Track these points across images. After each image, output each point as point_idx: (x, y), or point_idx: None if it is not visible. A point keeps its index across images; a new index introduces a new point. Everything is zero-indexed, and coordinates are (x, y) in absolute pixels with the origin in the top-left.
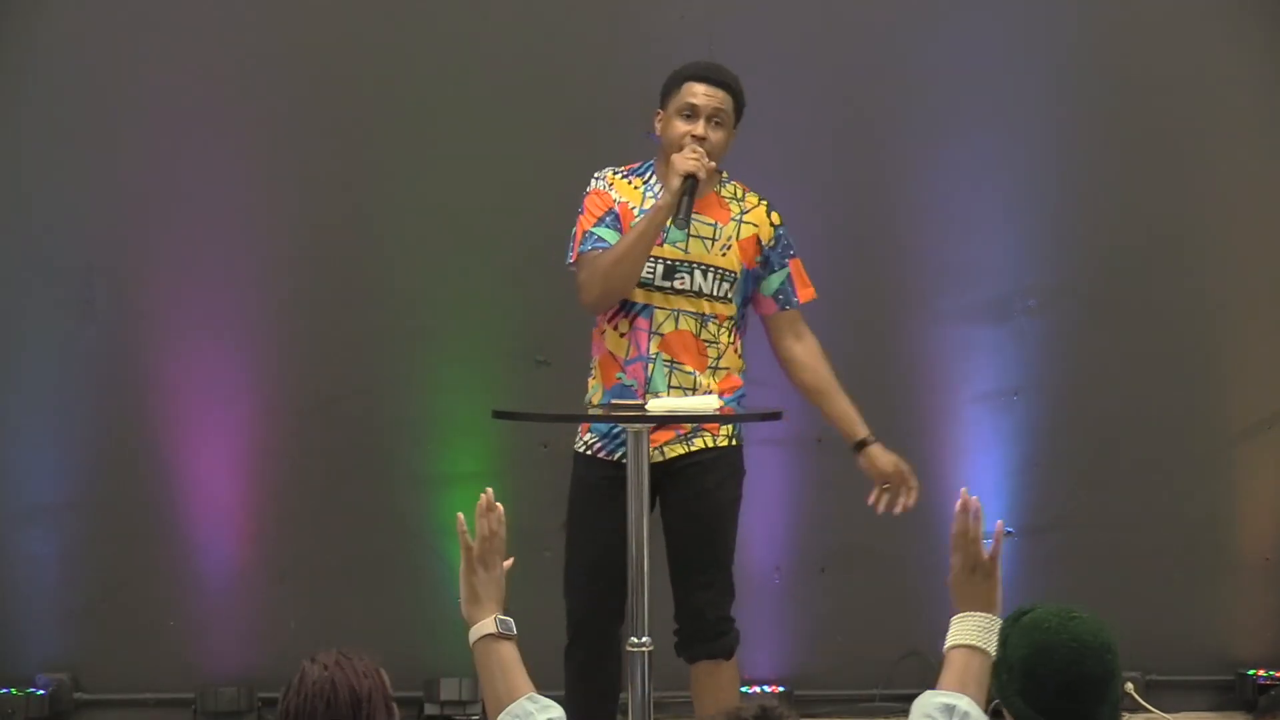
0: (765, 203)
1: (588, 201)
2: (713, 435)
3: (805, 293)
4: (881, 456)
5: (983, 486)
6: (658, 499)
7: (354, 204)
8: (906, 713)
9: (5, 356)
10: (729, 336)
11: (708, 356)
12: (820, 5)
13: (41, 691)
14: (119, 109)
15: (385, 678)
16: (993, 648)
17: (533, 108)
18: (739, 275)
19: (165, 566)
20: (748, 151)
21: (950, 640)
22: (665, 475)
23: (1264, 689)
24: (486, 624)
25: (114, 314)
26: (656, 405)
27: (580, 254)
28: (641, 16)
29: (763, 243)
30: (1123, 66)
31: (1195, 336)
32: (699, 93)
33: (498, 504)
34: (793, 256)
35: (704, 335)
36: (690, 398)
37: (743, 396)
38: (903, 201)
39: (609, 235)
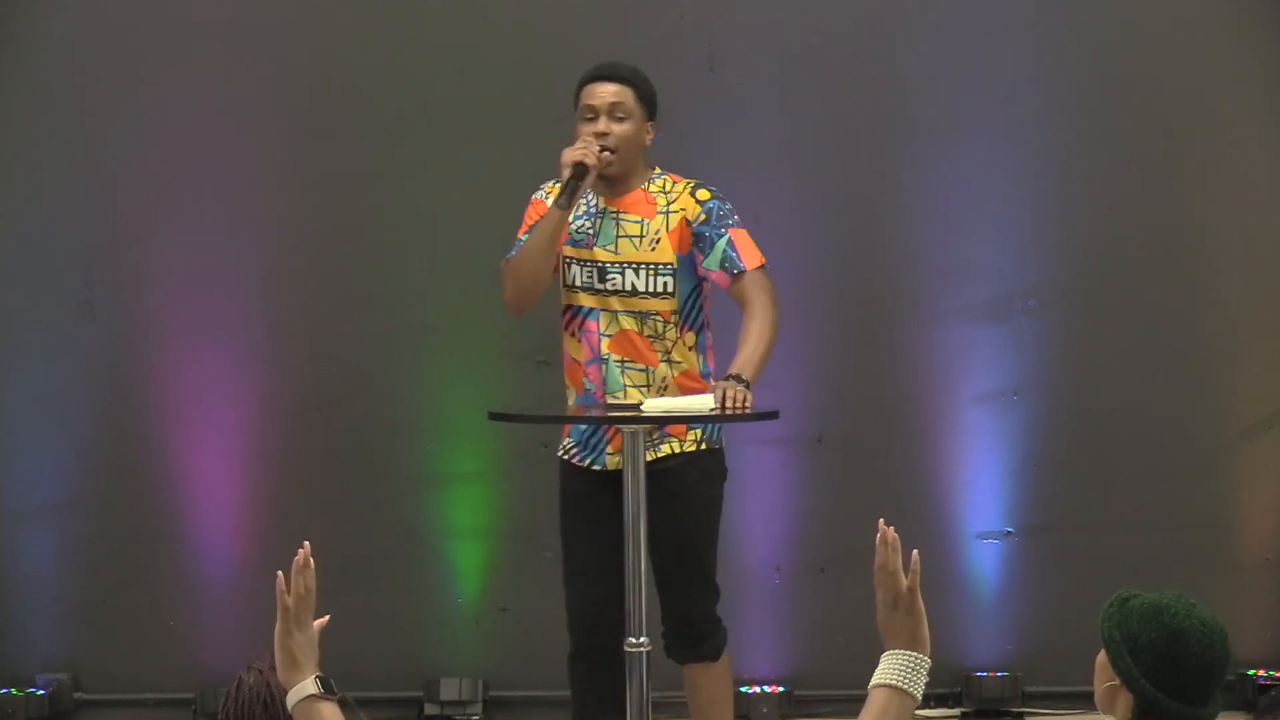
0: (691, 183)
1: (526, 213)
2: (680, 440)
3: (751, 259)
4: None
5: (983, 486)
6: None
7: (354, 204)
8: None
9: (5, 356)
10: (675, 331)
11: (656, 352)
12: (820, 5)
13: (41, 691)
14: (119, 110)
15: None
16: (917, 688)
17: (532, 108)
18: (675, 266)
19: (165, 566)
20: (747, 152)
21: (874, 678)
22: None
23: (1264, 689)
24: (307, 685)
25: (114, 314)
26: (653, 405)
27: (505, 260)
28: (641, 17)
29: (690, 221)
30: (1122, 67)
31: (1195, 336)
32: (594, 92)
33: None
34: (732, 226)
35: (646, 332)
36: (685, 398)
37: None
38: (902, 202)
39: None
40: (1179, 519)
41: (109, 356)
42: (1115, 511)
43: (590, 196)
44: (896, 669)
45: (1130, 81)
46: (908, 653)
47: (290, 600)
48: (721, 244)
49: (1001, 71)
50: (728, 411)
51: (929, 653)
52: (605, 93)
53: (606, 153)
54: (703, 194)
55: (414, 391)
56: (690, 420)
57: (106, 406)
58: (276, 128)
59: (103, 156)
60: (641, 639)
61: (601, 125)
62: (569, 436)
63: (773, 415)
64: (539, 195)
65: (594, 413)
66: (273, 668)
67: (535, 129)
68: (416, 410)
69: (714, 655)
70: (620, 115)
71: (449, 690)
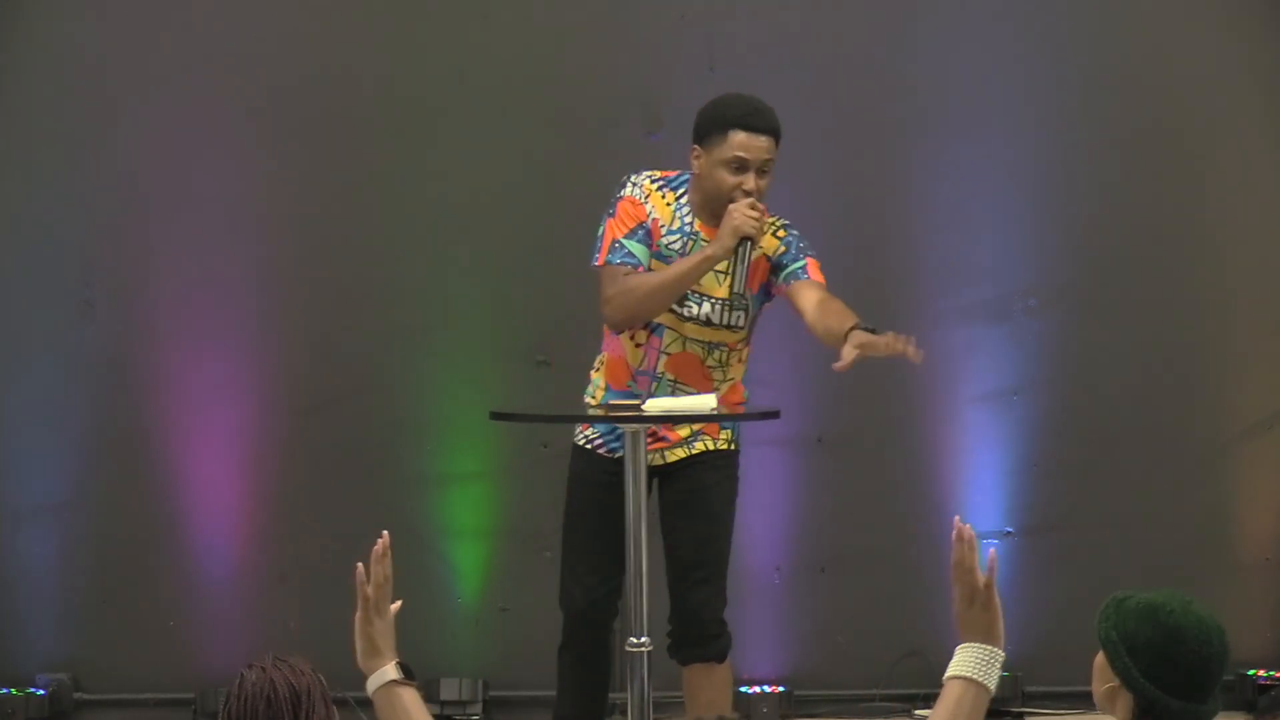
0: (776, 222)
1: (620, 206)
2: (713, 439)
3: (817, 275)
4: (871, 337)
5: (983, 486)
6: (655, 496)
7: (354, 204)
8: (907, 713)
9: (5, 356)
10: (736, 359)
11: (713, 380)
12: (820, 5)
13: (41, 691)
14: (119, 109)
15: (322, 678)
16: (991, 680)
17: (533, 107)
18: (749, 302)
19: (165, 566)
20: None
21: (949, 670)
22: (664, 475)
23: (1264, 689)
24: (388, 670)
25: (114, 314)
26: (654, 405)
27: (608, 264)
28: (642, 16)
29: (770, 256)
30: (1123, 66)
31: (1195, 336)
32: (748, 145)
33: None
34: (810, 255)
35: (709, 361)
36: (687, 398)
37: (743, 404)
38: (903, 202)
39: (639, 251)
40: (1179, 519)
41: (109, 356)
42: (1115, 511)
43: (687, 214)
44: (972, 661)
45: (1131, 82)
46: (984, 646)
47: (370, 589)
48: (796, 264)
49: (1002, 72)
50: (737, 412)
51: (1003, 647)
52: (761, 148)
53: (765, 219)
54: (781, 231)
55: (414, 391)
56: (691, 420)
57: (106, 406)
58: (277, 128)
59: (103, 157)
60: (642, 639)
61: (751, 183)
62: (591, 427)
63: (774, 415)
64: (634, 193)
65: (599, 412)
66: (275, 665)
67: (536, 129)
68: (416, 410)
69: (720, 656)
70: (765, 169)
71: (449, 690)
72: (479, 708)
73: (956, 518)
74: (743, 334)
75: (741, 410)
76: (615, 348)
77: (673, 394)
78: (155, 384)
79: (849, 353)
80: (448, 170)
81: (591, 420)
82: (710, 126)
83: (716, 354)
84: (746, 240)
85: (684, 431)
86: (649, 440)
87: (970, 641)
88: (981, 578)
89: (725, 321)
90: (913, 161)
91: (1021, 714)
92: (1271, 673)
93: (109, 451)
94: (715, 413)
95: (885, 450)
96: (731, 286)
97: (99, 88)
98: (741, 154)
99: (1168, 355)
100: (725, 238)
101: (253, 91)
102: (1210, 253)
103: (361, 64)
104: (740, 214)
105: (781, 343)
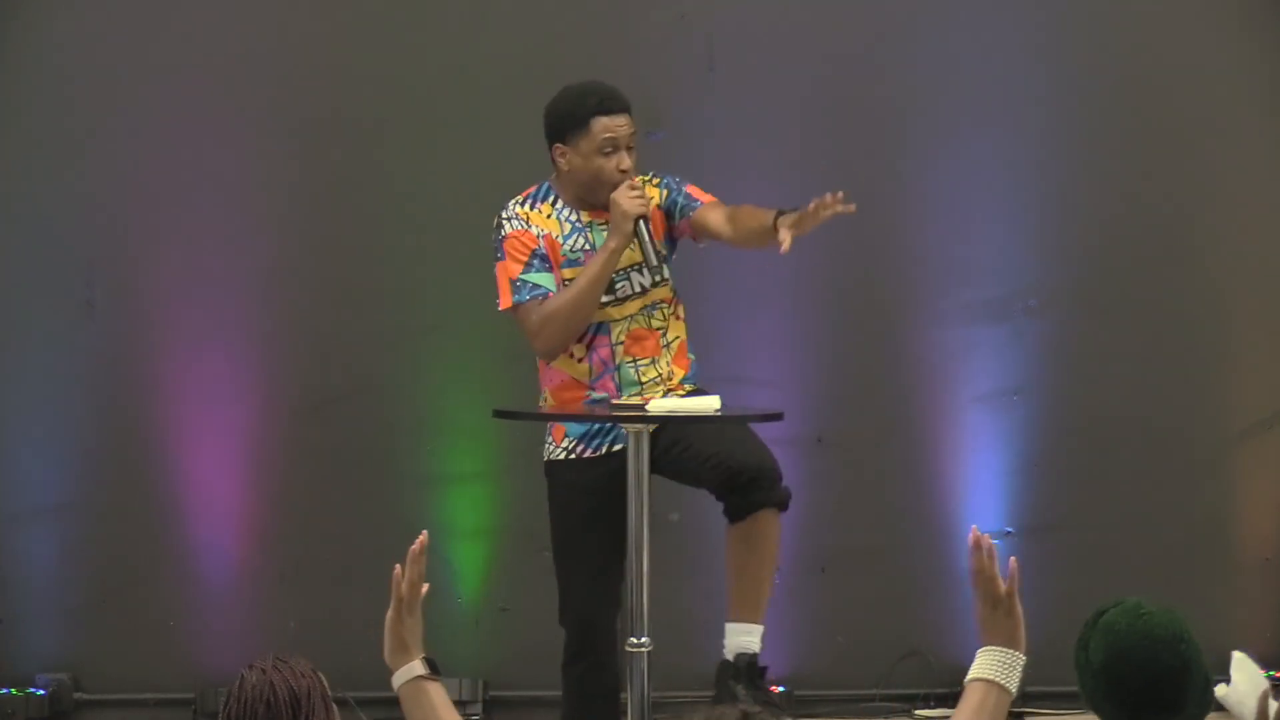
0: (648, 176)
1: (507, 246)
2: (678, 393)
3: (705, 196)
4: (799, 214)
5: (983, 486)
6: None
7: (354, 204)
8: (907, 713)
9: (5, 356)
10: (670, 308)
11: (661, 336)
12: (818, 4)
13: (41, 691)
14: (119, 109)
15: (323, 678)
16: (1013, 683)
17: (532, 107)
18: (666, 251)
19: (165, 566)
20: (745, 151)
21: (971, 672)
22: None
23: None
24: (414, 666)
25: (114, 314)
26: (658, 405)
27: (518, 304)
28: (641, 17)
29: (661, 204)
30: (1123, 66)
31: (1195, 336)
32: (612, 126)
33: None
34: (688, 184)
35: (654, 324)
36: (690, 398)
37: (694, 364)
38: (903, 202)
39: (543, 280)
40: (1179, 519)
41: (109, 356)
42: (1115, 511)
43: (570, 213)
44: (995, 664)
45: (1131, 81)
46: (1005, 649)
47: (405, 588)
48: (684, 202)
49: (1002, 72)
50: (728, 413)
51: (1024, 651)
52: (623, 125)
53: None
54: (656, 179)
55: (414, 391)
56: (694, 421)
57: (106, 406)
58: (277, 128)
59: (103, 157)
60: (642, 639)
61: (626, 161)
62: (566, 438)
63: (777, 417)
64: (515, 226)
65: (599, 411)
66: (275, 666)
67: (535, 129)
68: (416, 410)
69: (785, 503)
70: (633, 145)
71: (449, 690)
72: (479, 708)
73: (974, 527)
74: (669, 285)
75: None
76: (556, 377)
77: (635, 372)
78: (155, 384)
79: (785, 236)
80: (448, 170)
81: (593, 420)
82: (568, 122)
83: (657, 313)
84: (639, 219)
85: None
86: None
87: (991, 644)
88: (1003, 585)
89: (655, 280)
90: (913, 161)
91: (1021, 714)
92: (1271, 673)
93: (109, 451)
94: (719, 414)
95: (885, 450)
96: (647, 259)
97: (99, 87)
98: (609, 135)
99: (1168, 355)
100: (621, 225)
101: (253, 91)
102: (1210, 253)
103: (361, 64)
104: (625, 198)
105: (782, 343)
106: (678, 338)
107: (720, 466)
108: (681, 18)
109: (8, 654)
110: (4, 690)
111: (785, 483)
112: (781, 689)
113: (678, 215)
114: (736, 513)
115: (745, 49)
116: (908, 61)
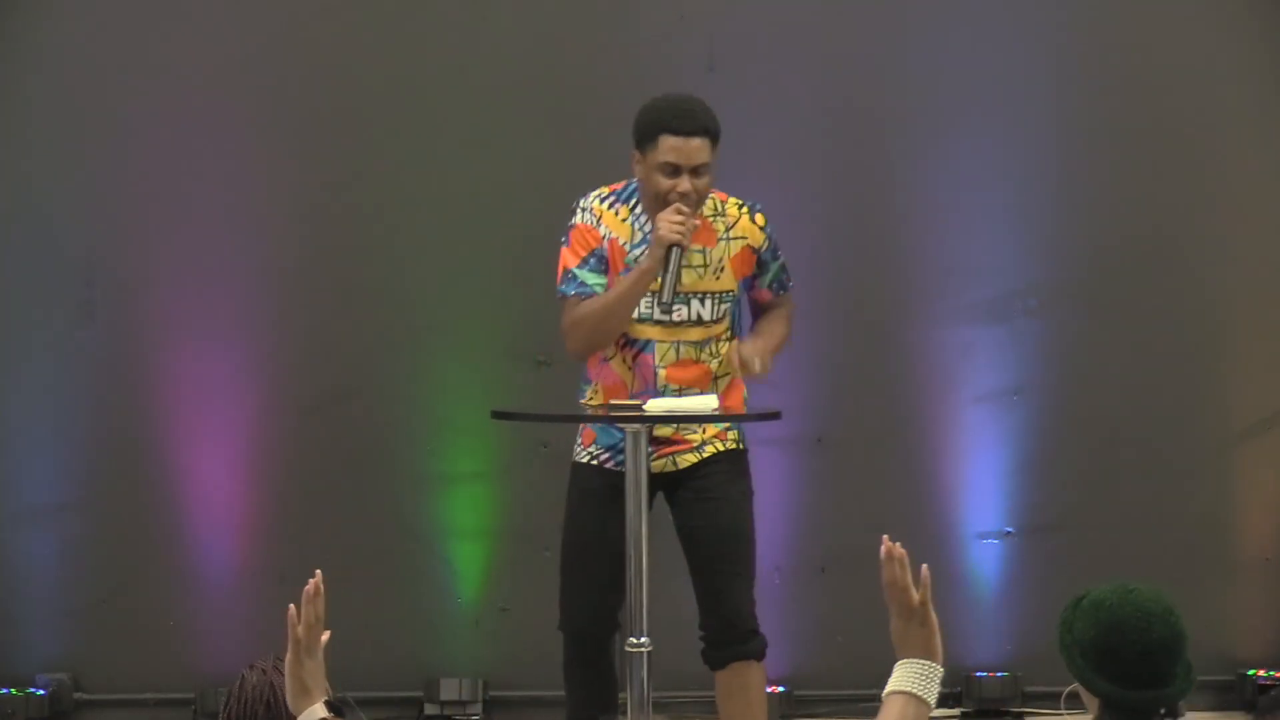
0: (746, 207)
1: (573, 234)
2: (723, 441)
3: (772, 292)
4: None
5: (983, 486)
6: (668, 506)
7: (354, 204)
8: None
9: (5, 356)
10: (726, 346)
11: (712, 371)
12: (818, 4)
13: (41, 691)
14: (119, 109)
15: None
16: (931, 694)
17: (532, 107)
18: (736, 291)
19: (165, 566)
20: (746, 152)
21: (890, 686)
22: (675, 481)
23: (1264, 689)
24: (316, 709)
25: (114, 314)
26: (655, 405)
27: (563, 296)
28: (640, 16)
29: (756, 249)
30: (1123, 66)
31: (1195, 336)
32: (679, 149)
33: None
34: (781, 257)
35: (703, 356)
36: (688, 398)
37: (748, 402)
38: (902, 202)
39: (593, 280)
40: (1179, 519)
41: (109, 357)
42: (1115, 511)
43: (645, 221)
44: (911, 677)
45: (1131, 82)
46: (922, 661)
47: (301, 630)
48: (776, 266)
49: (1002, 72)
50: (738, 412)
51: (941, 661)
52: (693, 149)
53: (693, 221)
54: (760, 219)
55: (414, 391)
56: (693, 420)
57: (106, 407)
58: (276, 128)
59: (102, 157)
60: (642, 639)
61: (685, 185)
62: (595, 443)
63: (774, 416)
64: (586, 220)
65: (599, 411)
66: (275, 667)
67: (536, 128)
68: (416, 410)
69: (761, 653)
70: (700, 170)
71: (449, 690)
72: (479, 708)
73: (885, 538)
74: (726, 322)
75: (744, 409)
76: (608, 373)
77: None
78: (155, 384)
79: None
80: (448, 170)
81: (592, 420)
82: (644, 131)
83: (710, 346)
84: (674, 248)
85: (695, 438)
86: (662, 447)
87: (909, 657)
88: (915, 595)
89: (715, 316)
90: (913, 161)
91: (1021, 714)
92: (1271, 673)
93: (109, 452)
94: (716, 413)
95: (885, 450)
96: (660, 291)
97: (99, 88)
98: (672, 158)
99: (1168, 355)
100: (654, 248)
101: (253, 91)
102: (1210, 253)
103: (361, 63)
104: (665, 224)
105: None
106: (728, 375)
107: (700, 603)
108: (681, 18)
109: (8, 654)
110: (4, 690)
111: (761, 630)
112: (781, 689)
113: (764, 274)
114: (713, 664)
115: (745, 49)
116: (907, 62)
